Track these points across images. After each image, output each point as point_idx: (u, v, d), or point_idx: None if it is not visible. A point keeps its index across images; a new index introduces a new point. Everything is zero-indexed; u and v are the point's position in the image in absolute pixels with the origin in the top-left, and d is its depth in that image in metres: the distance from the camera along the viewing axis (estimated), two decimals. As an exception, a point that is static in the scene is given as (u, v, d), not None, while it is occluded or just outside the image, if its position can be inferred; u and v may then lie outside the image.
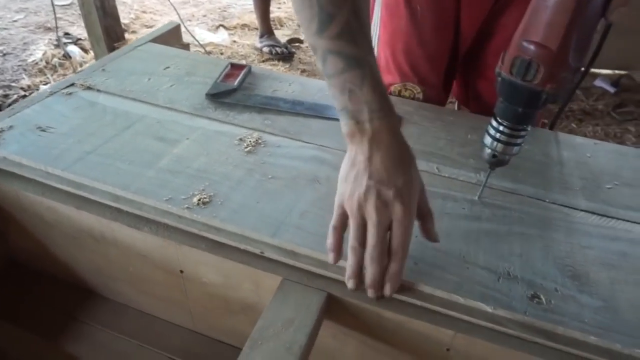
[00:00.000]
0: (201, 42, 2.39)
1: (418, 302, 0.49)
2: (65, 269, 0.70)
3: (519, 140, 0.54)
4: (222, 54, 2.39)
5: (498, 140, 0.55)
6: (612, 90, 2.17)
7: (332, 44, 0.46)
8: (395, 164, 0.45)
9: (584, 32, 0.46)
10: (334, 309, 0.51)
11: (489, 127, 0.55)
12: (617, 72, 2.28)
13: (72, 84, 0.80)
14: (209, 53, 2.33)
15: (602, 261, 0.54)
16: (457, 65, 0.86)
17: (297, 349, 0.45)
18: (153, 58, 0.90)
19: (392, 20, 0.81)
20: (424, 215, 0.50)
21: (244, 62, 2.33)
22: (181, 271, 0.59)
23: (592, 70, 2.31)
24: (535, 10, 0.46)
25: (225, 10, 2.95)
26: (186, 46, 1.07)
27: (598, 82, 2.23)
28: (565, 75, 0.48)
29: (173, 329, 0.68)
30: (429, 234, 0.51)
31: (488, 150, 0.56)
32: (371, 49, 0.47)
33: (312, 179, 0.62)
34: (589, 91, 2.19)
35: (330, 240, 0.49)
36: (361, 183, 0.45)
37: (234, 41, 2.57)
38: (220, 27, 2.70)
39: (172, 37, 1.04)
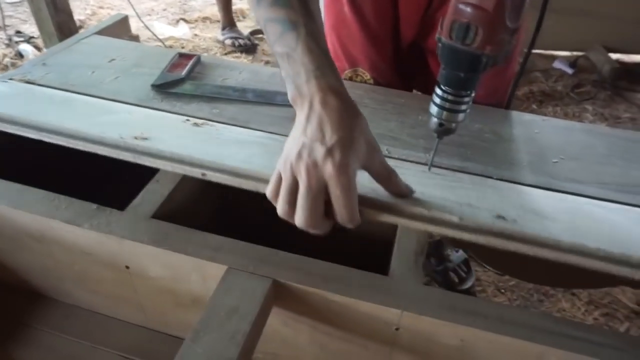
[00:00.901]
0: (161, 37, 2.33)
1: (381, 217, 0.49)
2: (9, 272, 0.67)
3: (463, 107, 0.54)
4: (183, 47, 2.35)
5: (443, 108, 0.54)
6: (570, 71, 2.22)
7: (269, 12, 0.47)
8: (333, 121, 0.43)
9: None
10: (282, 295, 0.51)
11: (434, 95, 0.55)
12: (574, 53, 2.34)
13: (10, 79, 0.76)
14: (169, 48, 2.28)
15: (556, 211, 0.55)
16: (406, 51, 0.85)
17: (240, 337, 0.44)
18: (98, 51, 0.87)
19: (334, 5, 0.80)
20: (385, 177, 0.48)
21: (213, 56, 2.29)
22: (127, 267, 0.57)
23: (551, 52, 2.37)
24: None
25: (185, 4, 2.89)
26: (135, 38, 1.04)
27: (557, 64, 2.28)
28: (503, 36, 0.48)
29: (125, 327, 0.66)
30: (398, 191, 0.49)
31: (435, 119, 0.56)
32: (310, 12, 0.46)
33: (261, 144, 0.62)
34: (548, 73, 2.24)
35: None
36: (297, 143, 0.43)
37: (196, 35, 2.53)
38: (181, 21, 2.65)
39: (119, 29, 1.01)
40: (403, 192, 0.50)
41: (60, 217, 0.55)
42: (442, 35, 0.50)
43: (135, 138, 0.54)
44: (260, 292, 0.48)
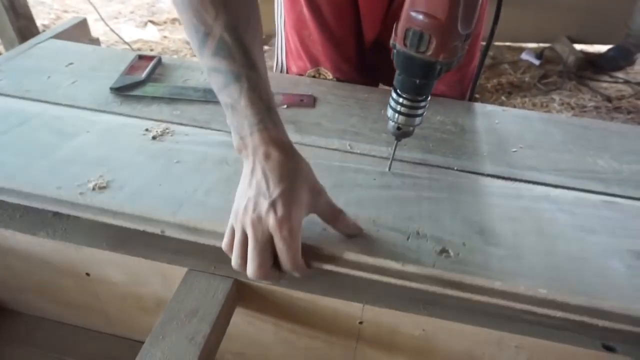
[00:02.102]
0: (128, 40, 2.30)
1: (327, 266, 0.49)
2: (-34, 285, 0.65)
3: (419, 111, 0.55)
4: (152, 50, 2.31)
5: (400, 113, 0.55)
6: (536, 62, 2.27)
7: (211, 61, 0.46)
8: (275, 174, 0.44)
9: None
10: (245, 295, 0.50)
11: (391, 100, 0.56)
12: (541, 45, 2.39)
13: (-39, 88, 0.74)
14: (137, 50, 2.24)
15: (506, 216, 0.56)
16: (370, 48, 0.86)
17: (200, 339, 0.43)
18: (54, 55, 0.85)
19: (293, 7, 0.80)
20: (333, 218, 0.49)
21: (175, 57, 2.26)
22: (87, 274, 0.56)
23: (519, 44, 2.41)
24: None
25: (153, 6, 2.84)
26: (95, 41, 1.02)
27: (524, 56, 2.33)
28: (457, 43, 0.48)
29: (92, 335, 0.65)
30: (347, 230, 0.50)
31: (392, 123, 0.56)
32: (253, 62, 0.46)
33: (220, 161, 0.61)
34: (516, 65, 2.28)
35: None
36: (244, 197, 0.45)
37: (165, 37, 2.49)
38: (149, 23, 2.61)
39: (78, 32, 0.99)
40: (352, 232, 0.50)
41: (14, 226, 0.53)
42: (396, 42, 0.50)
43: (93, 189, 0.54)
44: (222, 292, 0.47)
